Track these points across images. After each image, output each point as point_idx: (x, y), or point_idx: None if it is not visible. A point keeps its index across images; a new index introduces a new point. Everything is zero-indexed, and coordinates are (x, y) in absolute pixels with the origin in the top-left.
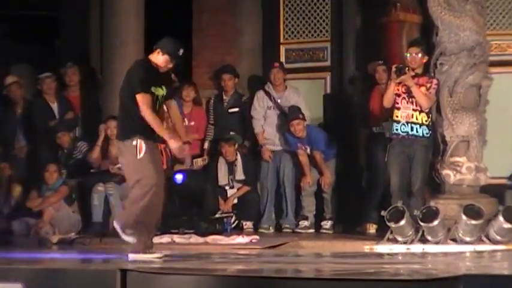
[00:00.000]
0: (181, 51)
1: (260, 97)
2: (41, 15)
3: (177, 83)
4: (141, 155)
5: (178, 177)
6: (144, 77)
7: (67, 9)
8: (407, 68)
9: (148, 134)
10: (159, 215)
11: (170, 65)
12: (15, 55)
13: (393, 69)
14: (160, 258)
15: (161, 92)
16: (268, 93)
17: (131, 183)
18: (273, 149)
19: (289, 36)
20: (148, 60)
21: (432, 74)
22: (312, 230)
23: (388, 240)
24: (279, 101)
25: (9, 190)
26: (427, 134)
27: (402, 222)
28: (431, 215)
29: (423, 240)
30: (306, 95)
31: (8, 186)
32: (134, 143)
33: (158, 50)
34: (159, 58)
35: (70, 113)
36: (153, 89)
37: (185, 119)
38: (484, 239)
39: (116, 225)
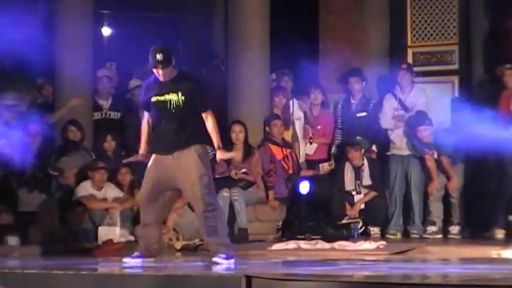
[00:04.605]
0: (157, 57)
1: (388, 99)
2: (163, 16)
3: None
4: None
5: (304, 187)
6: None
7: (191, 12)
8: None
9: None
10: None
11: (160, 72)
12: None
13: None
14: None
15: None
16: (395, 96)
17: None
18: (400, 153)
19: (417, 39)
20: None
21: None
22: (439, 236)
23: None
24: (405, 102)
25: (132, 195)
26: None
27: None
28: None
29: None
30: (433, 98)
31: (131, 191)
32: None
33: None
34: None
35: None
36: (153, 98)
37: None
38: None
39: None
